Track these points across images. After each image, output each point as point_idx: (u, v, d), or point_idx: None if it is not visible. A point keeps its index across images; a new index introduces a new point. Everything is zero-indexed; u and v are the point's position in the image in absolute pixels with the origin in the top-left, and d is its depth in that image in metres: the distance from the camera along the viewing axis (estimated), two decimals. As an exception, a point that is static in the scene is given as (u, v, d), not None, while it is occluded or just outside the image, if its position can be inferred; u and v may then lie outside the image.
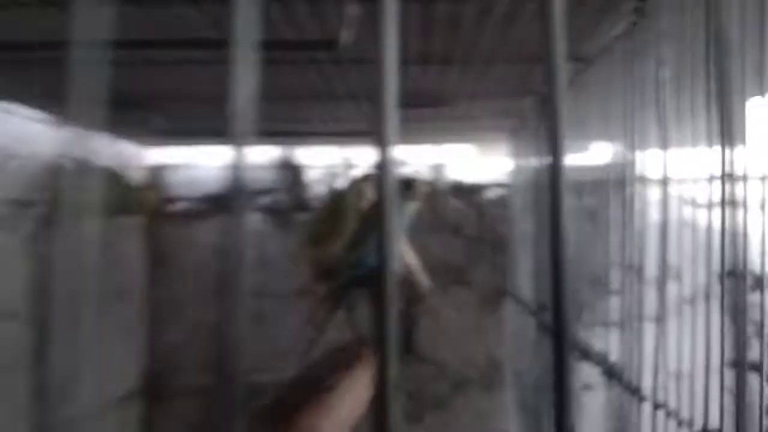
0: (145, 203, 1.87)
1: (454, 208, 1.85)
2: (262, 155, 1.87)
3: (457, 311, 1.84)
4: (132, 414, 1.81)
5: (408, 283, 1.36)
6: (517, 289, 1.65)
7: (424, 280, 1.42)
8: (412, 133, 1.57)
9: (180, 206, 1.90)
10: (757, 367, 0.59)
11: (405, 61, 0.91)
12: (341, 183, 1.66)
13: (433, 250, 1.79)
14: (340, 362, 1.25)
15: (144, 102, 1.21)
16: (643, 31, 0.72)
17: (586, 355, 1.02)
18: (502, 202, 1.84)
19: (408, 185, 1.40)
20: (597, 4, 0.76)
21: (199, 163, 1.89)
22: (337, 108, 1.25)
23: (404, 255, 1.42)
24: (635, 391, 0.81)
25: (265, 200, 1.87)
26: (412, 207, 1.37)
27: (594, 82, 0.91)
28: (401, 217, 1.34)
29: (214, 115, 1.35)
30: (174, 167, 1.90)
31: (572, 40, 0.88)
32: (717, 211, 0.61)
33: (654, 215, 0.74)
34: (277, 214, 1.87)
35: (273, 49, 0.79)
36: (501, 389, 1.84)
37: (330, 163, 1.88)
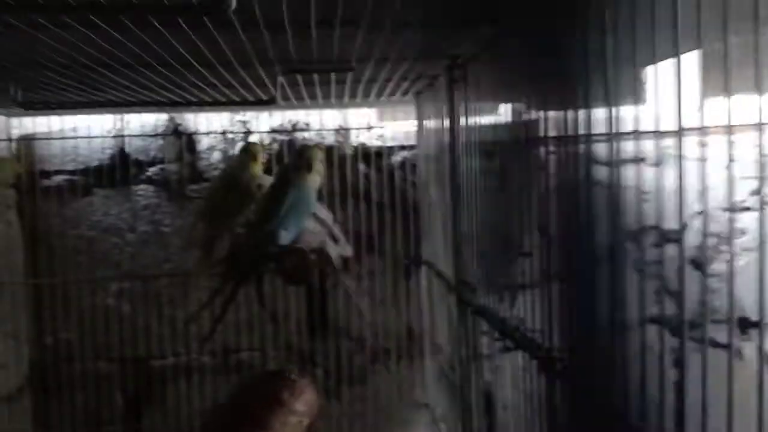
0: (13, 176, 1.79)
1: (362, 174, 1.88)
2: (149, 123, 1.82)
3: (371, 281, 1.88)
4: (21, 412, 1.76)
5: (321, 255, 1.38)
6: (432, 258, 1.70)
7: (344, 250, 1.44)
8: (316, 98, 1.57)
9: (57, 180, 1.83)
10: (660, 321, 0.65)
11: (307, 24, 0.91)
12: (237, 150, 1.64)
13: (341, 218, 1.81)
14: (268, 394, 1.24)
15: (3, 71, 1.16)
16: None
17: (492, 321, 1.08)
18: (410, 166, 1.88)
19: (301, 155, 1.40)
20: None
21: (78, 134, 1.82)
22: (228, 73, 1.23)
23: (321, 226, 1.43)
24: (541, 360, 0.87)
25: (154, 171, 1.83)
26: (314, 178, 1.38)
27: (518, 44, 0.95)
28: (305, 191, 1.35)
29: (84, 83, 1.30)
30: (48, 138, 1.81)
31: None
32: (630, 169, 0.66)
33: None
34: (168, 186, 1.83)
35: (157, 12, 0.77)
36: (420, 361, 1.91)
37: (225, 128, 1.86)
